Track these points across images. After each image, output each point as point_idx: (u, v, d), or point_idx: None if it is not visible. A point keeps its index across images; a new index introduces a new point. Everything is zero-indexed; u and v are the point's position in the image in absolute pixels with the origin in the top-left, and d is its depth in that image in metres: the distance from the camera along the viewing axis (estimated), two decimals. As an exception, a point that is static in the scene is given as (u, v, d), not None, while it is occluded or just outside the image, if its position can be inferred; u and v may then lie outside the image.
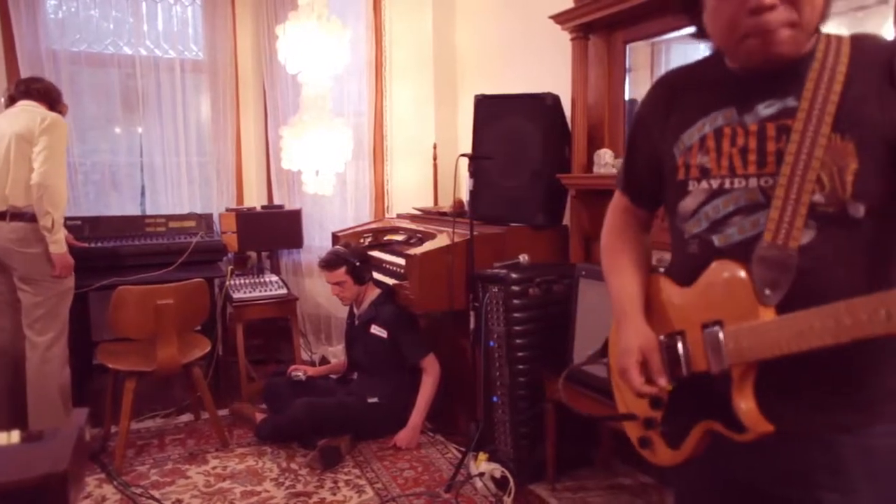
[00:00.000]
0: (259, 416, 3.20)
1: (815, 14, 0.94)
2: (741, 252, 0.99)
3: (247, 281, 3.88)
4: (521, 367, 2.60)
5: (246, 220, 4.04)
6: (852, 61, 0.95)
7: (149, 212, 4.15)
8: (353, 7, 4.22)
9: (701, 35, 1.07)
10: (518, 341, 2.59)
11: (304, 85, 3.73)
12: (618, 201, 1.29)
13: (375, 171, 4.27)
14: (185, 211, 4.15)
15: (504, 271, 2.61)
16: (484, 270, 2.70)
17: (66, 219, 3.18)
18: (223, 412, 3.35)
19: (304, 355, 4.16)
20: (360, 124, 4.24)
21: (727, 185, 1.02)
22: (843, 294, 0.89)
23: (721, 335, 1.00)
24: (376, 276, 3.32)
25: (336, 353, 4.21)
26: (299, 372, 3.31)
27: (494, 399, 2.69)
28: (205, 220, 4.03)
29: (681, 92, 1.13)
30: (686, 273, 1.09)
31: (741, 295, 0.98)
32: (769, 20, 0.91)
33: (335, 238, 3.96)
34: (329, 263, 3.20)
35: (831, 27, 1.01)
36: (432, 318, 3.33)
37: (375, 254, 3.52)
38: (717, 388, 1.01)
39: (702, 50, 1.17)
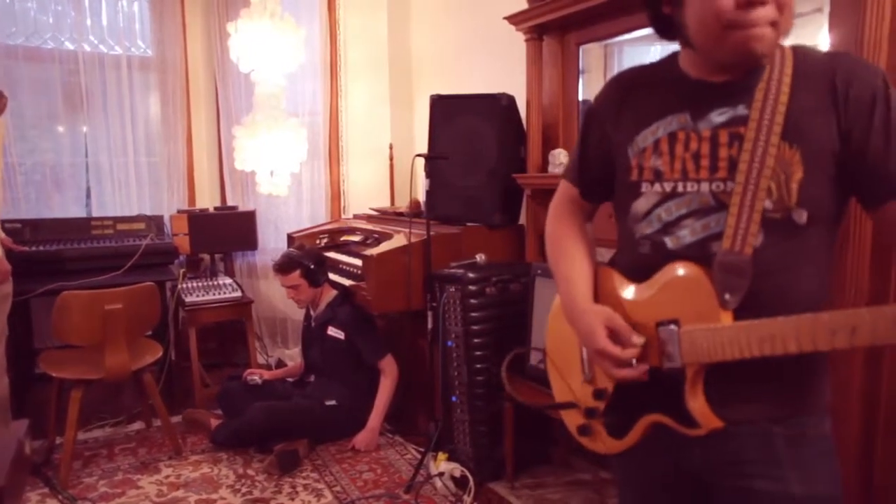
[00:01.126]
0: (214, 422, 3.13)
1: (790, 22, 0.97)
2: (693, 254, 1.02)
3: (200, 284, 3.79)
4: (479, 366, 2.61)
5: (198, 221, 3.94)
6: (795, 72, 0.99)
7: (95, 214, 4.01)
8: (308, 6, 4.17)
9: (663, 33, 1.08)
10: (476, 340, 2.60)
11: (258, 84, 3.67)
12: (565, 191, 1.30)
13: (331, 171, 4.22)
14: (134, 213, 4.03)
15: (461, 271, 2.62)
16: (441, 270, 2.71)
17: (5, 221, 3.04)
18: (176, 419, 3.26)
19: (260, 359, 4.09)
20: (315, 124, 4.18)
21: (680, 188, 1.05)
22: (787, 297, 0.98)
23: (678, 334, 1.02)
24: (333, 277, 3.29)
25: (293, 356, 4.15)
26: (255, 376, 3.26)
27: (453, 399, 2.70)
28: (155, 222, 3.92)
29: (636, 92, 1.14)
30: (637, 271, 1.11)
31: (702, 297, 1.00)
32: (757, 16, 0.93)
33: (290, 239, 3.90)
34: (283, 267, 3.15)
35: None
36: (390, 318, 3.32)
37: (332, 255, 3.49)
38: (666, 384, 1.04)
39: (653, 53, 1.18)
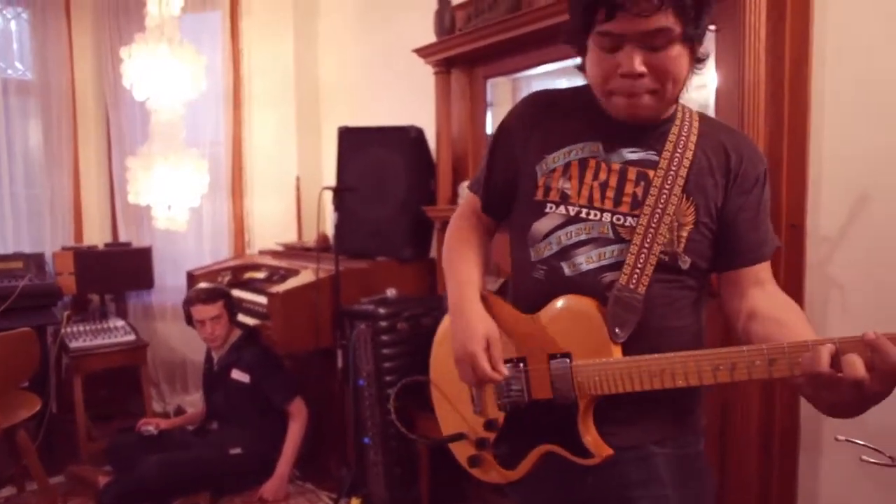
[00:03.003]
0: (102, 480, 2.85)
1: (677, 88, 1.04)
2: (588, 282, 1.07)
3: (87, 328, 3.49)
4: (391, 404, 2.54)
5: (86, 259, 3.66)
6: (700, 135, 1.09)
7: (-37, 252, 3.63)
8: (209, 32, 4.03)
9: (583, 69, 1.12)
10: (388, 378, 2.55)
11: (154, 112, 3.48)
12: (469, 203, 1.31)
13: (234, 204, 4.05)
14: (10, 251, 3.68)
15: (371, 307, 2.58)
16: (351, 306, 2.66)
17: None
18: (58, 479, 2.96)
19: (157, 407, 3.82)
20: (217, 155, 4.01)
21: (583, 214, 1.09)
22: (669, 332, 1.07)
23: (570, 368, 1.06)
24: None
25: (194, 402, 3.90)
26: (150, 426, 3.01)
27: (366, 440, 2.62)
28: (34, 260, 3.57)
29: (552, 114, 1.17)
30: (531, 299, 1.13)
31: (594, 331, 1.05)
32: (635, 85, 1.00)
33: (191, 277, 3.69)
34: (209, 294, 2.96)
35: None
36: (298, 358, 3.19)
37: (235, 292, 3.32)
38: (557, 415, 1.08)
39: (562, 86, 1.21)
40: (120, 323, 3.61)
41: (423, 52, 2.80)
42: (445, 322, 1.28)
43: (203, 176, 3.58)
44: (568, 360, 1.06)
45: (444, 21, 2.73)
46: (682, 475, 1.10)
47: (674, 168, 1.06)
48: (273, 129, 4.02)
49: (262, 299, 3.03)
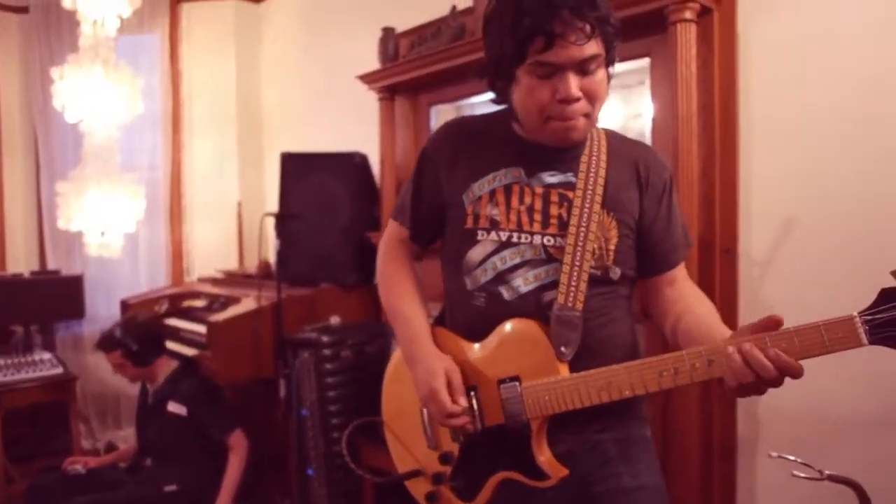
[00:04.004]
0: (22, 525, 2.67)
1: (601, 109, 1.10)
2: (528, 303, 1.09)
3: (9, 361, 3.29)
4: (336, 434, 2.51)
5: (9, 288, 3.50)
6: (609, 151, 1.15)
7: None
8: (147, 54, 3.94)
9: (499, 100, 1.16)
10: (332, 408, 2.51)
11: (87, 135, 3.37)
12: (395, 232, 1.32)
13: (173, 230, 3.94)
14: (-76, 280, 3.47)
15: (315, 334, 2.54)
16: (293, 334, 2.61)
17: None
18: (-28, 526, 2.75)
19: (86, 444, 3.63)
20: (154, 180, 3.91)
21: (515, 238, 1.12)
22: (609, 342, 1.11)
23: (520, 390, 1.07)
24: (173, 346, 3.00)
25: (127, 438, 3.72)
26: (77, 465, 2.84)
27: (309, 472, 2.56)
28: (-49, 290, 3.38)
29: (472, 141, 1.20)
30: (472, 327, 1.15)
31: (540, 352, 1.07)
32: (573, 109, 1.05)
33: (125, 306, 3.54)
34: (102, 345, 2.82)
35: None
36: (238, 389, 3.09)
37: (173, 322, 3.21)
38: (511, 440, 1.09)
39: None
40: (46, 356, 3.42)
41: (367, 78, 2.81)
42: (395, 360, 1.28)
43: (139, 201, 3.48)
44: (517, 384, 1.08)
45: (388, 48, 2.75)
46: (630, 455, 1.14)
47: (591, 188, 1.11)
48: (213, 154, 3.94)
49: (202, 328, 2.94)
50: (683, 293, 1.18)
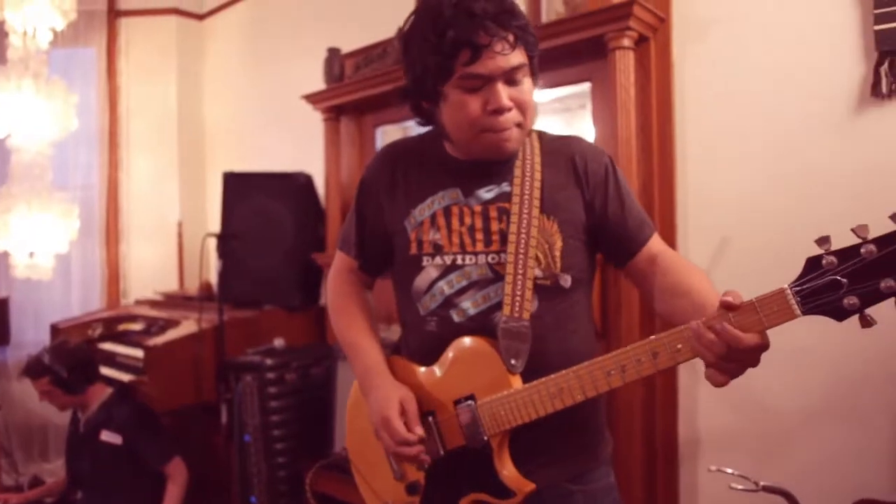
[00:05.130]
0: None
1: (532, 118, 1.10)
2: (479, 325, 1.08)
3: (-74, 391, 3.08)
4: (280, 460, 2.46)
5: (-74, 313, 3.27)
6: (543, 152, 1.14)
7: None
8: (82, 69, 3.82)
9: (424, 122, 1.16)
10: (276, 432, 2.46)
11: (16, 152, 3.22)
12: (343, 263, 1.30)
13: (109, 251, 3.80)
14: None
15: (258, 358, 2.50)
16: (236, 358, 2.56)
17: None
18: None
19: (8, 479, 3.42)
20: (89, 199, 3.78)
21: (459, 260, 1.11)
22: (564, 353, 1.07)
23: (476, 408, 1.06)
24: (108, 372, 2.87)
25: (55, 471, 3.53)
26: (-1, 502, 2.67)
27: (252, 500, 2.50)
28: None
29: (408, 166, 1.19)
30: (426, 352, 1.14)
31: (491, 367, 1.05)
32: (504, 120, 1.04)
33: (55, 330, 3.38)
34: (29, 371, 2.67)
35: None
36: (177, 415, 2.98)
37: (107, 346, 3.08)
38: (475, 460, 1.07)
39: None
40: (-33, 384, 3.22)
41: (312, 98, 2.80)
42: (355, 392, 1.25)
43: (73, 220, 3.35)
44: (473, 402, 1.06)
45: (334, 69, 2.75)
46: None
47: (527, 193, 1.09)
48: (153, 172, 3.85)
49: (139, 352, 2.84)
50: (667, 268, 1.10)
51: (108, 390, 2.82)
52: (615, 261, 1.16)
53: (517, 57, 1.02)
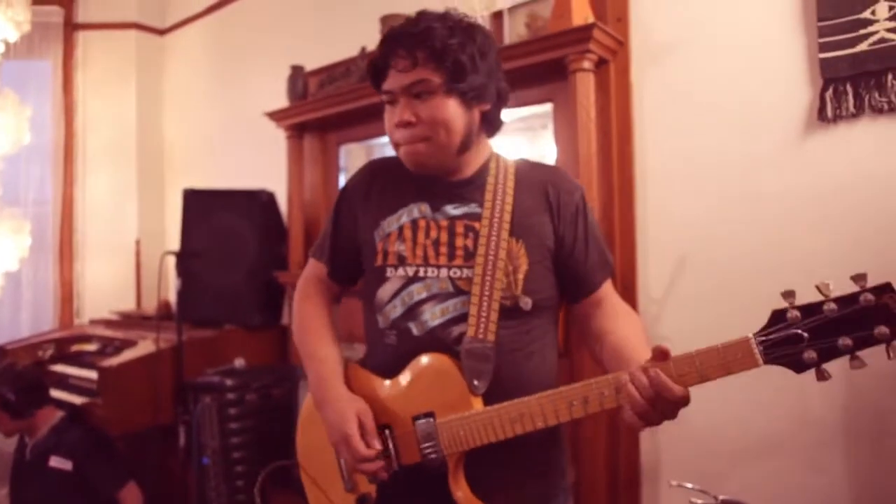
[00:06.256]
0: None
1: (453, 136, 1.11)
2: (437, 338, 1.09)
3: None
4: (239, 482, 2.42)
5: None
6: (517, 179, 1.17)
7: None
8: (37, 81, 3.73)
9: None
10: (236, 455, 2.42)
11: (-37, 166, 3.11)
12: (314, 270, 1.31)
13: (62, 269, 3.69)
14: None
15: (217, 378, 2.46)
16: (195, 378, 2.52)
17: None
18: None
19: (-52, 510, 3.23)
20: (42, 215, 3.67)
21: (421, 273, 1.12)
22: (524, 375, 1.08)
23: (435, 426, 1.06)
24: (59, 395, 2.77)
25: (-1, 500, 3.36)
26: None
27: (210, 525, 2.40)
28: None
29: (383, 180, 1.23)
30: (386, 365, 1.14)
31: (453, 387, 1.06)
32: (406, 134, 1.10)
33: (2, 352, 3.25)
34: None
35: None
36: (133, 438, 2.89)
37: (59, 368, 2.98)
38: (429, 479, 1.07)
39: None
40: None
41: (275, 115, 2.78)
42: (309, 402, 1.24)
43: (24, 237, 3.24)
44: (432, 420, 1.06)
45: (297, 86, 2.74)
46: None
47: (497, 216, 1.12)
48: (110, 189, 3.77)
49: (92, 374, 2.75)
50: (610, 313, 1.16)
51: (59, 414, 2.72)
52: (567, 297, 1.20)
53: (420, 73, 1.08)
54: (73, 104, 3.77)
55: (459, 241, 1.12)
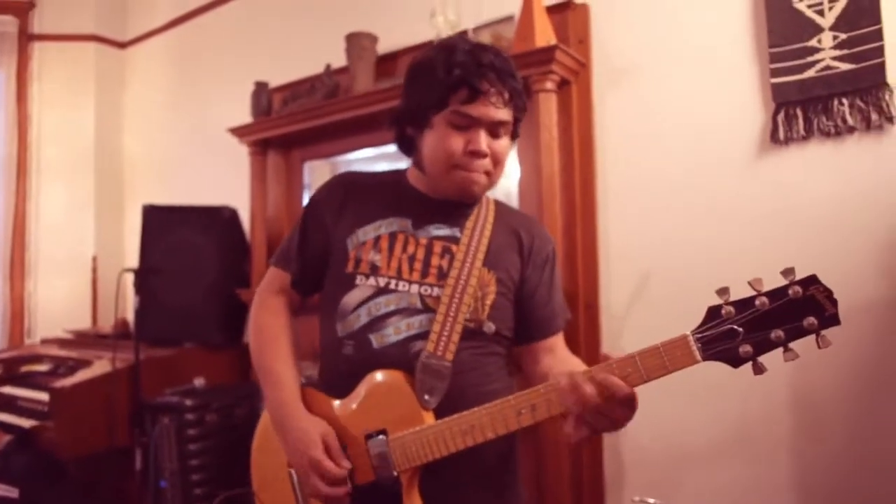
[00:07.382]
0: None
1: (500, 175, 1.18)
2: (396, 353, 1.09)
3: None
4: None
5: None
6: (497, 216, 1.22)
7: None
8: (-11, 94, 3.61)
9: (403, 150, 1.21)
10: (195, 477, 2.35)
11: None
12: (276, 279, 1.28)
13: (13, 286, 3.56)
14: None
15: (176, 398, 2.40)
16: (153, 399, 2.44)
17: None
18: None
19: None
20: (-8, 230, 3.52)
21: (392, 285, 1.13)
22: (478, 393, 1.10)
23: (387, 444, 1.06)
24: (6, 418, 2.67)
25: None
26: None
27: (167, 551, 2.32)
28: None
29: (360, 190, 1.23)
30: (340, 379, 1.14)
31: (404, 402, 1.06)
32: (478, 163, 1.12)
33: (-53, 373, 3.11)
34: None
35: None
36: (87, 462, 2.79)
37: (7, 390, 2.86)
38: (384, 497, 1.06)
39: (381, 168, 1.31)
40: None
41: (238, 131, 2.75)
42: (263, 424, 1.22)
43: (-28, 254, 3.12)
44: (384, 437, 1.06)
45: (261, 102, 2.72)
46: None
47: (474, 244, 1.15)
48: (66, 204, 3.65)
49: (43, 395, 2.64)
50: (560, 357, 1.21)
51: (6, 438, 2.63)
52: (519, 338, 1.22)
53: (505, 113, 1.11)
54: (27, 116, 3.65)
55: (435, 261, 1.13)
